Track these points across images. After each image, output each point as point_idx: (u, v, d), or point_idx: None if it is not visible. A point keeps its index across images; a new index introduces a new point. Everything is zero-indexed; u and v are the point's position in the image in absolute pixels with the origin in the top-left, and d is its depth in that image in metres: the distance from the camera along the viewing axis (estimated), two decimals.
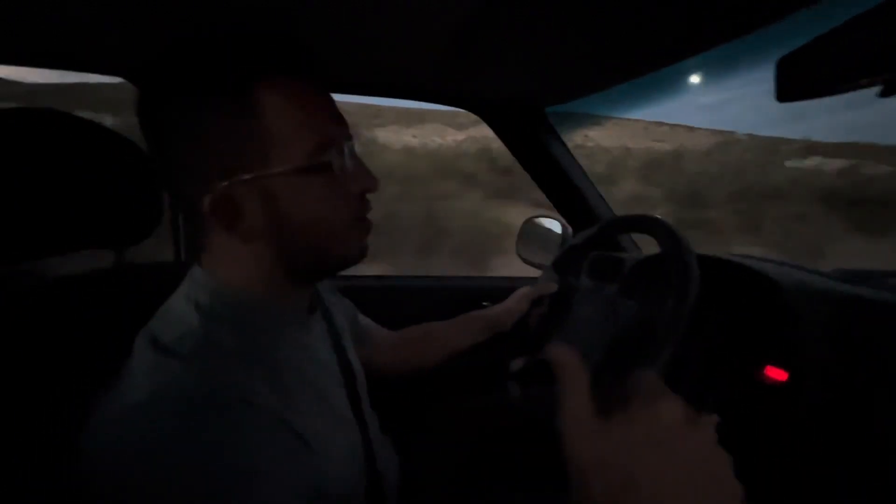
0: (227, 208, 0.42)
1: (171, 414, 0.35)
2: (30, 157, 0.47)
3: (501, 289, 1.28)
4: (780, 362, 0.66)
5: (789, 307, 0.68)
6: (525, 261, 1.21)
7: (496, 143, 1.21)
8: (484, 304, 1.24)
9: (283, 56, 0.43)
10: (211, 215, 0.42)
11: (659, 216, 0.76)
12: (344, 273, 0.53)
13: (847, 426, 0.64)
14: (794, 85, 0.48)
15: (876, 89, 0.43)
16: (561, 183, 1.21)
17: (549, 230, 1.18)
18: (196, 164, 0.42)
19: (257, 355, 0.43)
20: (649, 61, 0.82)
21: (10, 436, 0.40)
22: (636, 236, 1.23)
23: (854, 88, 0.45)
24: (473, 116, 1.14)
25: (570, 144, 1.21)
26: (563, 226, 1.16)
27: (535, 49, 0.78)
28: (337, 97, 0.50)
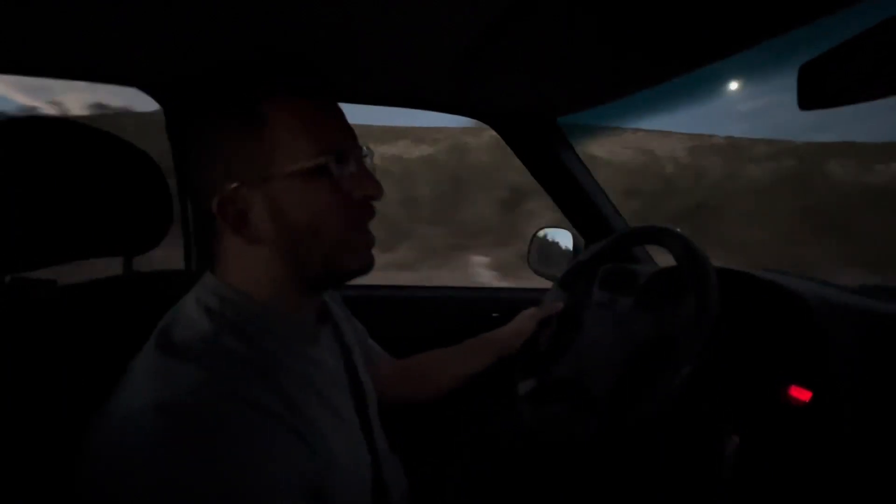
0: (234, 211, 0.45)
1: (176, 417, 0.36)
2: (42, 165, 0.47)
3: (511, 300, 1.27)
4: (804, 382, 0.63)
5: (816, 324, 0.65)
6: (537, 272, 1.19)
7: None
8: (494, 315, 1.22)
9: (289, 75, 0.47)
10: (219, 217, 0.45)
11: (674, 228, 0.73)
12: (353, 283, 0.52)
13: (873, 449, 0.61)
14: (816, 92, 0.47)
15: None
16: (573, 194, 1.19)
17: (561, 242, 1.16)
18: (209, 170, 0.46)
19: (263, 361, 0.43)
20: (665, 69, 0.81)
21: (19, 442, 0.40)
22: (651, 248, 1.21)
23: (880, 96, 0.43)
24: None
25: None
26: (574, 237, 1.14)
27: (547, 59, 0.78)
28: None
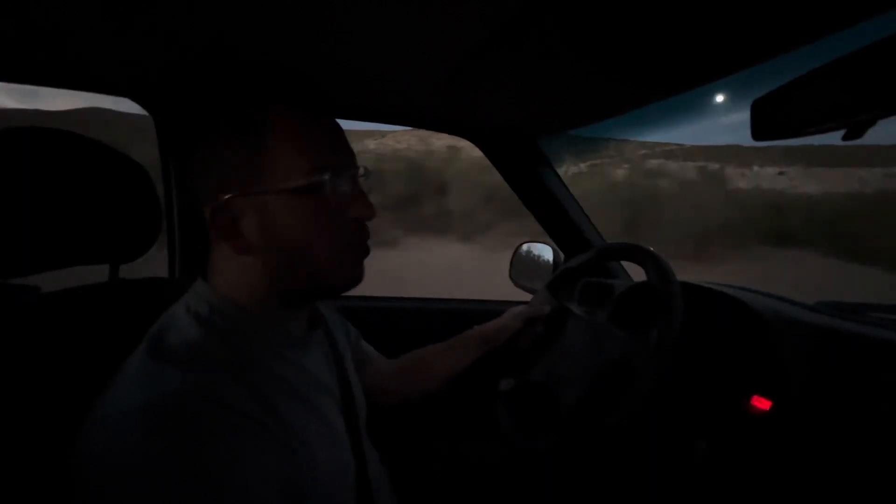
0: (226, 220, 0.46)
1: (157, 419, 0.36)
2: (30, 172, 0.48)
3: (493, 312, 1.29)
4: (764, 392, 0.67)
5: (772, 339, 0.69)
6: (517, 285, 1.22)
7: None
8: (475, 327, 1.24)
9: (290, 89, 0.48)
10: (211, 226, 0.46)
11: (649, 247, 0.78)
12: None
13: (828, 458, 0.65)
14: (767, 125, 0.51)
15: (841, 132, 0.46)
16: (553, 210, 1.24)
17: (541, 255, 1.20)
18: (204, 179, 0.47)
19: (247, 367, 0.44)
20: (641, 96, 0.86)
21: (3, 450, 0.40)
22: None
23: (822, 131, 0.48)
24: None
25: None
26: (554, 251, 1.18)
27: (529, 82, 0.81)
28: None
